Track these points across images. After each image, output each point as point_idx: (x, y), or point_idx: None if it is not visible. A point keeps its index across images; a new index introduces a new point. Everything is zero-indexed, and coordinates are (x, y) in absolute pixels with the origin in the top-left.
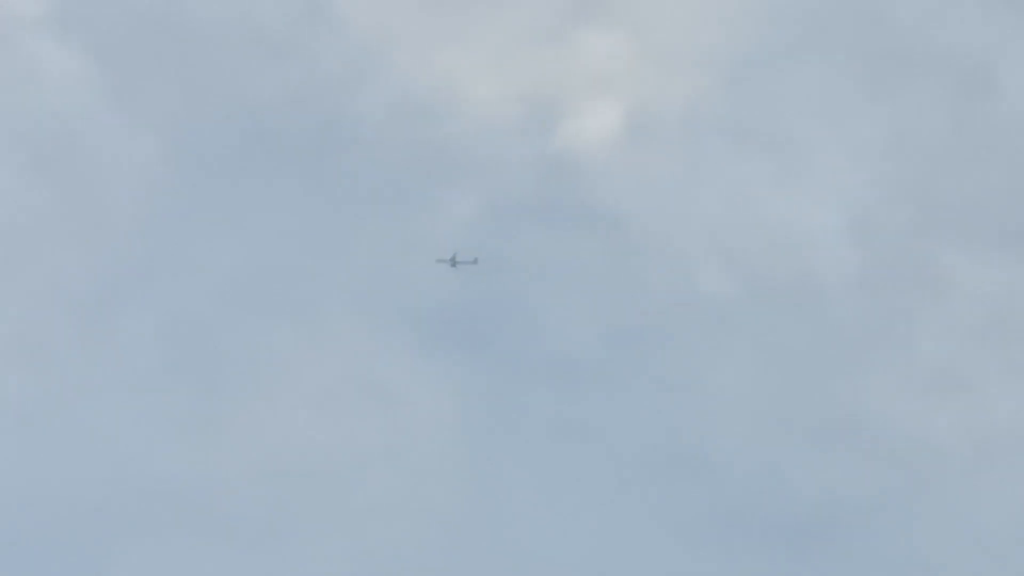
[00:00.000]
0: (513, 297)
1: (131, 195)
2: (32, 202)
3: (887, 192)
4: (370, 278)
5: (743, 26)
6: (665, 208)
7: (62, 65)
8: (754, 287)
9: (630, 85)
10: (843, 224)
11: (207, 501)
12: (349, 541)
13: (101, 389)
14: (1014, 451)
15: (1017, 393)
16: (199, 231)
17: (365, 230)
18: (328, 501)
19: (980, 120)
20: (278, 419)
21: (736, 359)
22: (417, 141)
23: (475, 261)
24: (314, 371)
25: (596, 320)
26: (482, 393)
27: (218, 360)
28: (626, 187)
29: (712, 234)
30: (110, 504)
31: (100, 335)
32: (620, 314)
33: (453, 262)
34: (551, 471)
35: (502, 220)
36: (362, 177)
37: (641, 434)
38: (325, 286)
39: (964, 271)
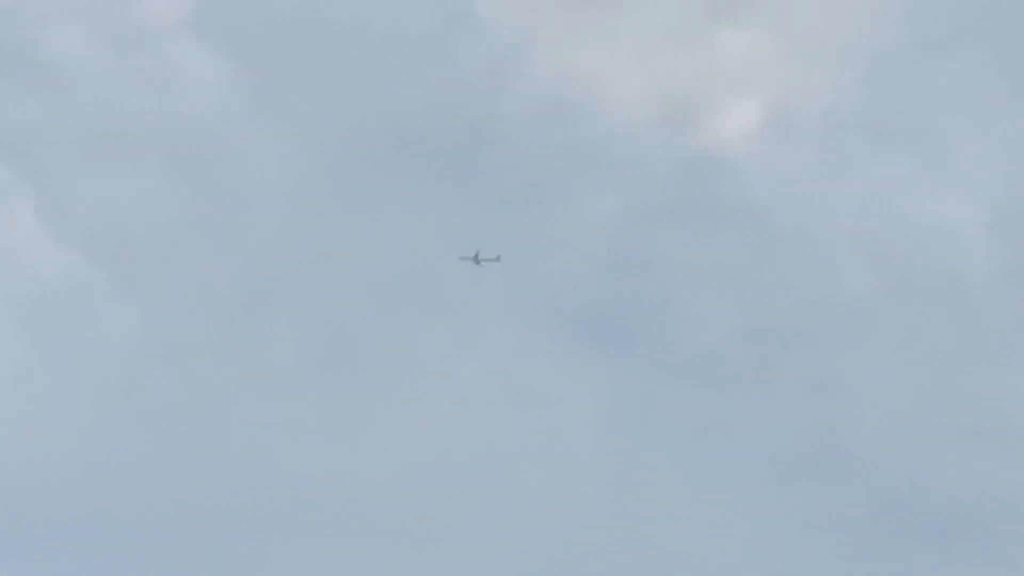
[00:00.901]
0: (656, 296)
1: (274, 197)
2: (176, 206)
3: None
4: (514, 278)
5: (883, 21)
6: (806, 205)
7: (203, 69)
8: (896, 283)
9: (770, 82)
10: (986, 219)
11: (352, 501)
12: (494, 541)
13: (246, 390)
14: None
15: None
16: (342, 233)
17: (509, 230)
18: (473, 501)
19: None
20: (423, 419)
21: (879, 356)
22: (559, 141)
23: (498, 259)
24: (458, 371)
25: (739, 318)
26: (626, 392)
27: (362, 361)
28: (767, 184)
29: (854, 230)
30: (255, 504)
31: (244, 337)
32: (763, 312)
33: (476, 259)
34: (696, 469)
35: (644, 218)
36: (505, 177)
37: (785, 432)
38: (469, 286)
39: None
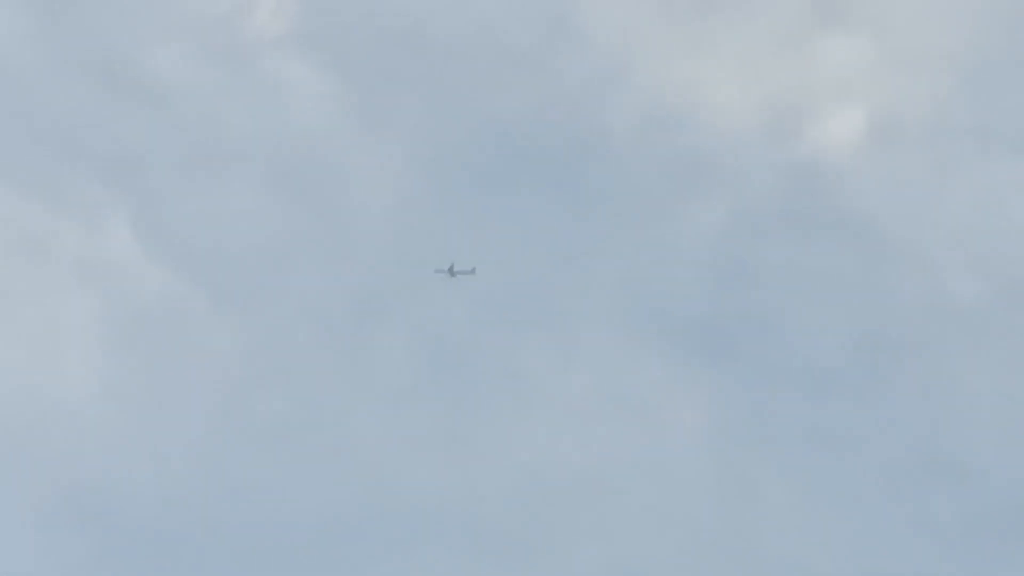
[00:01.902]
0: (762, 306)
1: (379, 212)
2: (280, 223)
3: None
4: (620, 290)
5: (987, 26)
6: (913, 213)
7: (306, 84)
8: (1005, 291)
9: (874, 89)
10: None
11: (463, 516)
12: (604, 554)
13: (354, 408)
14: None
15: None
16: (448, 247)
17: (613, 242)
18: (583, 514)
19: None
20: (532, 433)
21: (989, 364)
22: (662, 152)
23: (473, 271)
24: (566, 384)
25: (846, 327)
26: (734, 403)
27: (471, 375)
28: (873, 192)
29: (961, 238)
30: (367, 521)
31: (352, 354)
32: (870, 320)
33: (451, 272)
34: (805, 480)
35: (748, 228)
36: (609, 189)
37: (894, 441)
38: (575, 299)
39: None
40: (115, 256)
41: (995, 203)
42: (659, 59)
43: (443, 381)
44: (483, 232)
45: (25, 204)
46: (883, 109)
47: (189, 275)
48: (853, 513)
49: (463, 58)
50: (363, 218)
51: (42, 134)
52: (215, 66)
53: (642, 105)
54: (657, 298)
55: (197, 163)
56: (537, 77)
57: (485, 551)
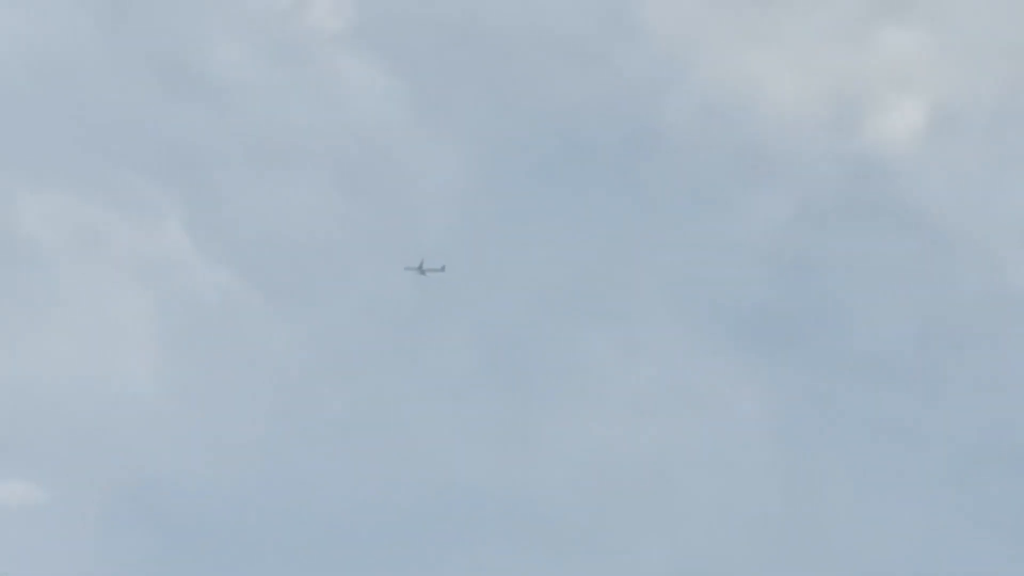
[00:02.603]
0: (825, 297)
1: (440, 207)
2: (343, 217)
3: None
4: (682, 282)
5: None
6: (974, 203)
7: (365, 80)
8: None
9: (935, 81)
10: None
11: (525, 510)
12: (668, 545)
13: (415, 400)
14: None
15: None
16: (509, 240)
17: (675, 234)
18: (645, 507)
19: None
20: (594, 425)
21: None
22: (723, 143)
23: (442, 268)
24: (628, 376)
25: (908, 318)
26: (797, 393)
27: (533, 368)
28: (934, 183)
29: (1021, 228)
30: (428, 516)
31: (413, 347)
32: (931, 311)
33: (421, 269)
34: (868, 470)
35: (810, 219)
36: (671, 181)
37: (956, 432)
38: (637, 291)
39: None
40: (172, 253)
41: None
42: (718, 51)
43: (504, 376)
44: (542, 226)
45: (83, 202)
46: (944, 100)
47: (248, 272)
48: (916, 504)
49: (521, 52)
50: (422, 213)
51: (101, 132)
52: (274, 63)
53: (702, 97)
54: (718, 290)
55: (256, 160)
56: (596, 70)
57: (547, 545)
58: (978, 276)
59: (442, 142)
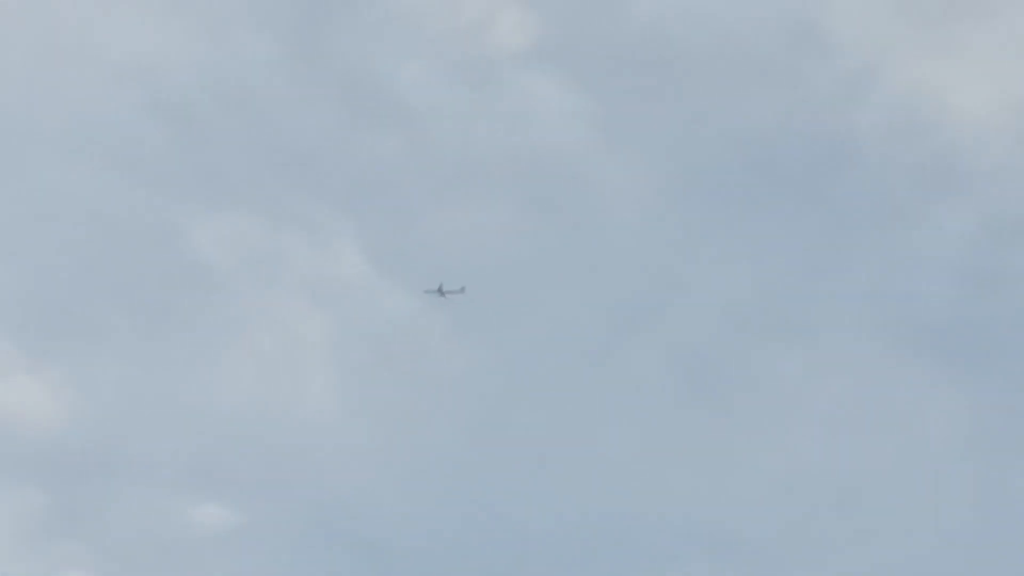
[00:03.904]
0: (1017, 310)
1: (632, 225)
2: (534, 238)
3: None
4: (873, 297)
5: None
6: None
7: (549, 98)
8: None
9: None
10: None
11: (720, 525)
12: (862, 561)
13: (611, 420)
14: None
15: None
16: (700, 258)
17: (865, 249)
18: (839, 524)
19: None
20: (787, 441)
21: None
22: (913, 157)
23: (462, 290)
24: (820, 392)
25: None
26: (989, 409)
27: (724, 386)
28: None
29: None
30: (625, 532)
31: (606, 366)
32: None
33: (441, 292)
34: None
35: (1001, 232)
36: (860, 196)
37: None
38: (828, 307)
39: None
40: (353, 277)
41: None
42: (907, 64)
43: (696, 394)
44: (733, 243)
45: (265, 227)
46: None
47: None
48: None
49: (708, 68)
50: (612, 232)
51: (287, 158)
52: (459, 83)
53: (890, 111)
54: (909, 305)
55: (442, 182)
56: (783, 85)
57: (743, 561)
58: None
59: (630, 161)
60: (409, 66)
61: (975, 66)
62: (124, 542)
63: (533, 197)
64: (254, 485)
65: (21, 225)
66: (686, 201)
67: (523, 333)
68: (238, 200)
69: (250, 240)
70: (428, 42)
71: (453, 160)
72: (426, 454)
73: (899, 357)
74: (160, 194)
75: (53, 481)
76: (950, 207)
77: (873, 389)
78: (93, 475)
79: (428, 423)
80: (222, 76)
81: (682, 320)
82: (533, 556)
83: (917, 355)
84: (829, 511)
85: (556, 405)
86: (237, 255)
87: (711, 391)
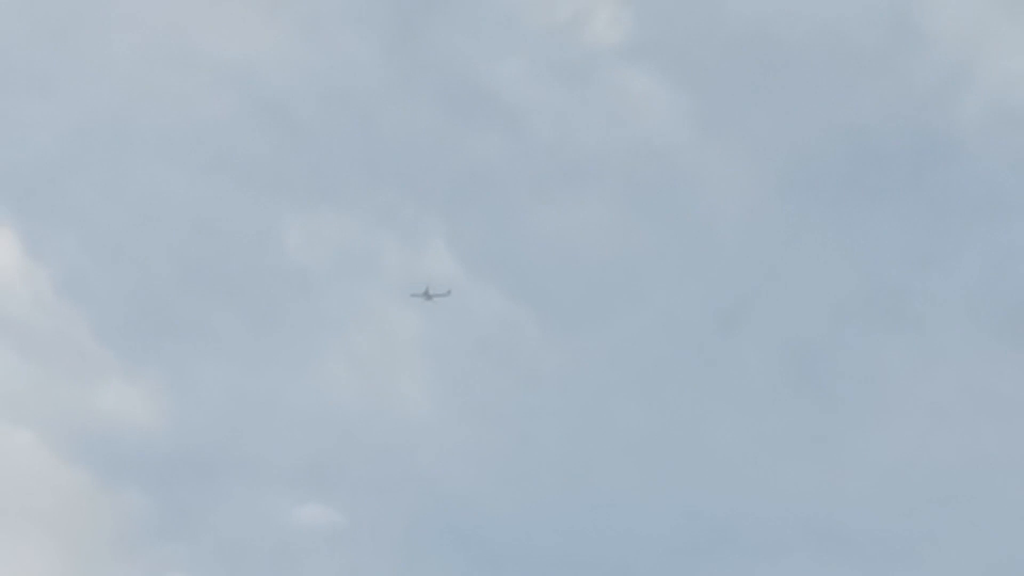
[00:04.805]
0: None
1: (734, 220)
2: (635, 234)
3: None
4: (979, 288)
5: None
6: None
7: (649, 94)
8: None
9: None
10: None
11: (829, 518)
12: (973, 553)
13: (718, 414)
14: None
15: None
16: (803, 251)
17: (969, 239)
18: (949, 513)
19: None
20: (896, 433)
21: None
22: (1014, 147)
23: (448, 293)
24: (927, 383)
25: None
26: None
27: (832, 378)
28: None
29: None
30: (733, 526)
31: (714, 360)
32: None
33: (427, 295)
34: None
35: None
36: (963, 186)
37: None
38: (934, 298)
39: None
40: (444, 274)
41: None
42: (1007, 53)
43: (803, 386)
44: (836, 235)
45: (362, 226)
46: None
47: (528, 292)
48: None
49: (807, 62)
50: (715, 227)
51: (385, 157)
52: (555, 80)
53: (991, 101)
54: (1014, 295)
55: (540, 179)
56: (883, 78)
57: (852, 555)
58: None
59: (731, 155)
60: (506, 64)
61: None
62: (227, 544)
63: (633, 193)
64: (357, 485)
65: (123, 229)
66: (788, 195)
67: (624, 330)
68: (337, 201)
69: (347, 240)
70: (525, 39)
71: (552, 158)
72: (529, 452)
73: (1006, 347)
74: (260, 195)
75: (156, 484)
76: None
77: (981, 380)
78: (195, 477)
79: (530, 421)
80: (322, 77)
81: (787, 314)
82: (639, 553)
83: None
84: (937, 504)
85: (660, 401)
86: (334, 255)
87: (817, 384)
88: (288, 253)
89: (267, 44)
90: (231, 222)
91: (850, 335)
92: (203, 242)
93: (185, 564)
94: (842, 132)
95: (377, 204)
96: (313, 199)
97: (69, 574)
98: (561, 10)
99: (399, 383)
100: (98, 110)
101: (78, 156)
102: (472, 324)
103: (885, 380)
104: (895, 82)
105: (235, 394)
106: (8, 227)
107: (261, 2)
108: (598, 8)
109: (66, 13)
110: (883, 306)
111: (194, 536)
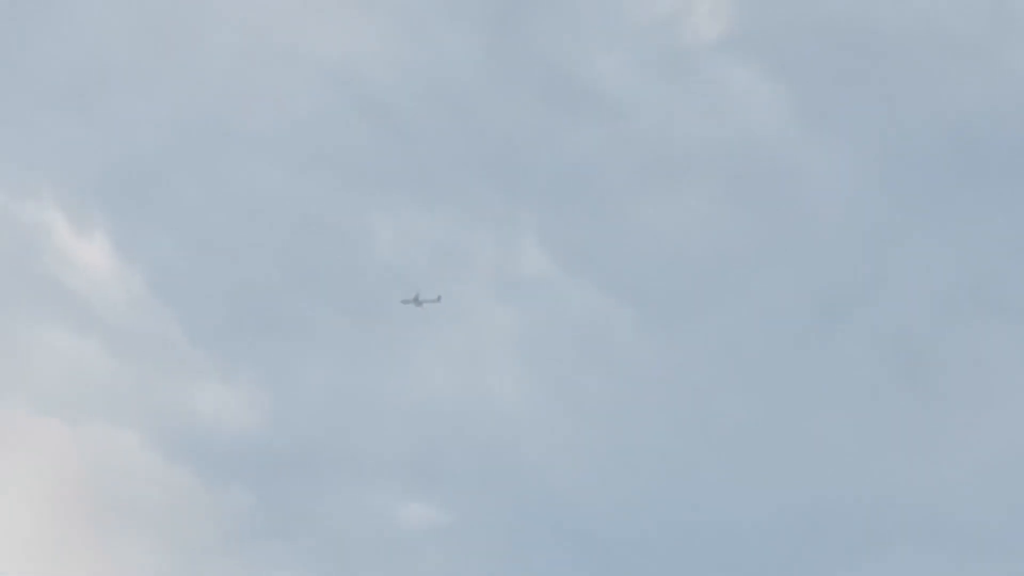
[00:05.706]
0: None
1: (835, 211)
2: (737, 228)
3: None
4: None
5: None
6: None
7: (750, 87)
8: None
9: None
10: None
11: (935, 510)
12: None
13: (822, 405)
14: None
15: None
16: (907, 242)
17: None
18: None
19: None
20: (1000, 424)
21: None
22: None
23: (438, 299)
24: None
25: None
26: None
27: (937, 369)
28: None
29: None
30: (837, 517)
31: (817, 353)
32: None
33: (417, 301)
34: None
35: None
36: None
37: None
38: None
39: None
40: (540, 271)
41: None
42: None
43: (905, 378)
44: (939, 227)
45: (461, 222)
46: None
47: (626, 287)
48: None
49: (908, 53)
50: (820, 217)
51: (486, 153)
52: (657, 74)
53: None
54: None
55: (642, 174)
56: (984, 67)
57: (959, 547)
58: None
59: (832, 147)
60: (607, 59)
61: None
62: (331, 541)
63: (734, 187)
64: (460, 481)
65: (221, 228)
66: (890, 186)
67: (726, 324)
68: (436, 197)
69: (445, 236)
70: (625, 34)
71: (653, 152)
72: (631, 446)
73: None
74: (358, 192)
75: (259, 482)
76: None
77: None
78: (298, 475)
79: (631, 415)
80: (422, 73)
81: (889, 305)
82: (742, 547)
83: None
84: None
85: (763, 395)
86: (431, 251)
87: (920, 375)
88: (386, 249)
89: (367, 41)
90: (329, 220)
91: (955, 327)
92: (301, 240)
93: (289, 561)
94: (944, 122)
95: (475, 200)
96: (412, 195)
97: (176, 572)
98: (661, 4)
99: (497, 379)
100: (197, 109)
101: (176, 155)
102: (569, 319)
103: (990, 372)
104: (997, 71)
105: (335, 391)
106: (103, 228)
107: (364, 1)
108: (698, 2)
109: (166, 14)
110: (987, 298)
111: (298, 533)
